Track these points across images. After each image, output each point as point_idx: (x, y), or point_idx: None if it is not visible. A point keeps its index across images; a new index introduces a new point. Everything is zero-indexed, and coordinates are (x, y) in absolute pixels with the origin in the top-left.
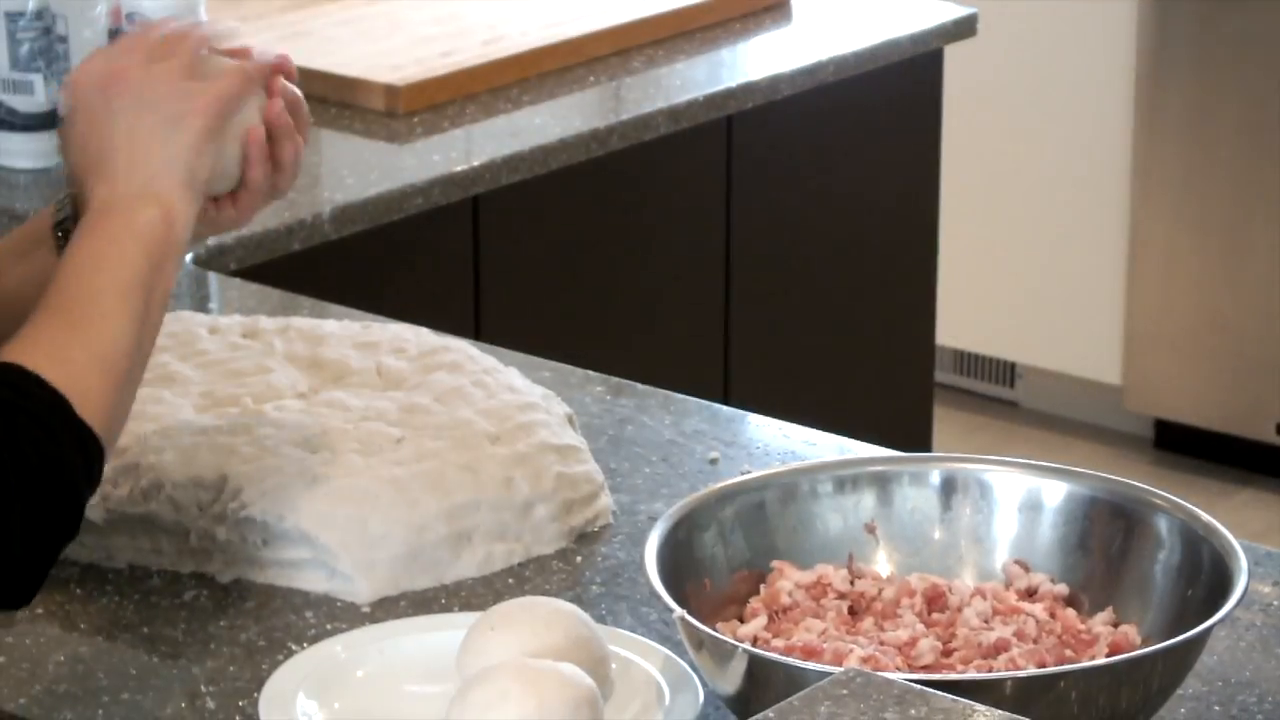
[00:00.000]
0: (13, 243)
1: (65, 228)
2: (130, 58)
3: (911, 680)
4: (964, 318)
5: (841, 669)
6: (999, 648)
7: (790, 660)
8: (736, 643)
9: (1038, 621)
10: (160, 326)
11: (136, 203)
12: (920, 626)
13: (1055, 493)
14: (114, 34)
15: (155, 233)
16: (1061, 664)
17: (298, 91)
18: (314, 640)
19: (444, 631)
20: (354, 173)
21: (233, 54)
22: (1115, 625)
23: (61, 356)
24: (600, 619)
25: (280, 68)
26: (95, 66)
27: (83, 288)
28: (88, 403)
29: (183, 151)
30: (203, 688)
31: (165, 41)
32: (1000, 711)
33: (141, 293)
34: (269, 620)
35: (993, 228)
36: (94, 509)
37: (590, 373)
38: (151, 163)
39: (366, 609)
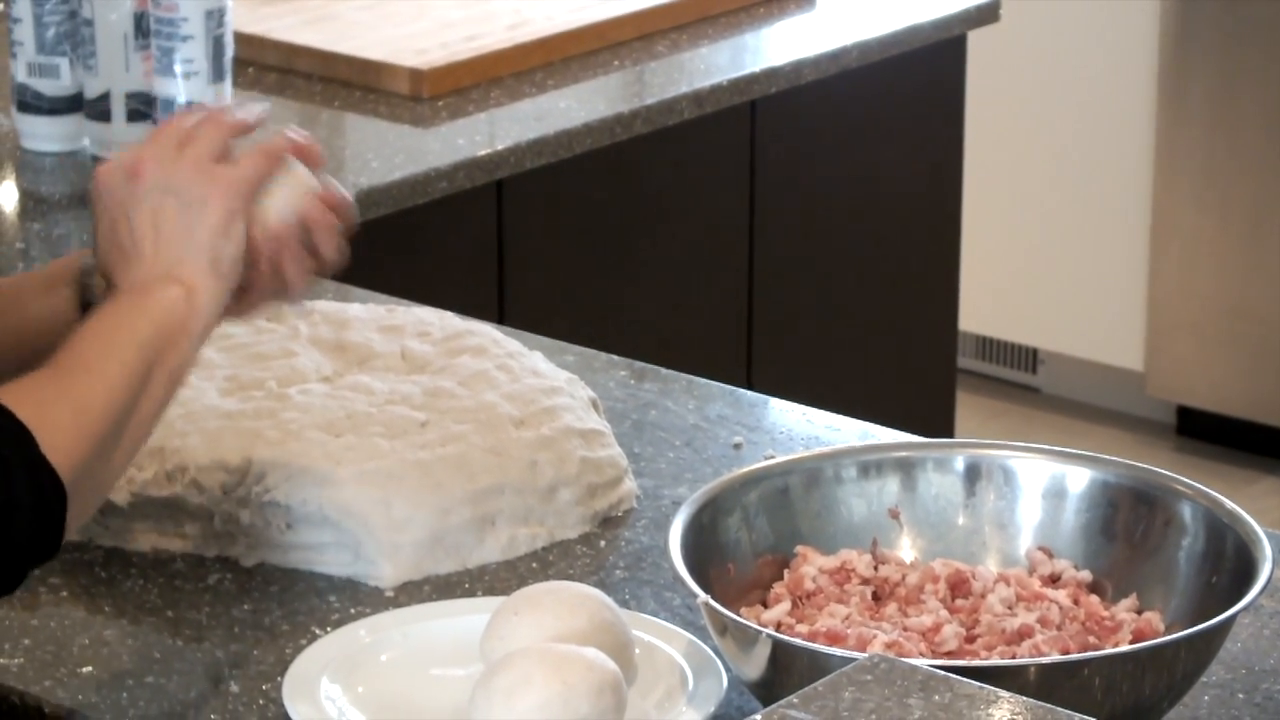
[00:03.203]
0: (40, 276)
1: (88, 279)
2: (156, 147)
3: (935, 666)
4: (986, 303)
5: (865, 654)
6: (1022, 634)
7: (814, 646)
8: (760, 628)
9: (1061, 608)
10: (167, 402)
11: (158, 284)
12: (944, 612)
13: (1079, 479)
14: (140, 18)
15: (172, 309)
16: (1085, 651)
17: (344, 192)
18: (338, 624)
19: (468, 616)
20: (378, 156)
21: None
22: (1139, 612)
23: (37, 397)
24: (624, 603)
25: (305, 149)
26: (123, 157)
27: (81, 348)
28: (55, 443)
29: (207, 234)
30: (226, 671)
31: (191, 129)
32: (1024, 698)
33: (141, 361)
34: (293, 604)
35: (1015, 213)
36: (119, 492)
37: (614, 357)
38: (175, 247)
39: (390, 593)
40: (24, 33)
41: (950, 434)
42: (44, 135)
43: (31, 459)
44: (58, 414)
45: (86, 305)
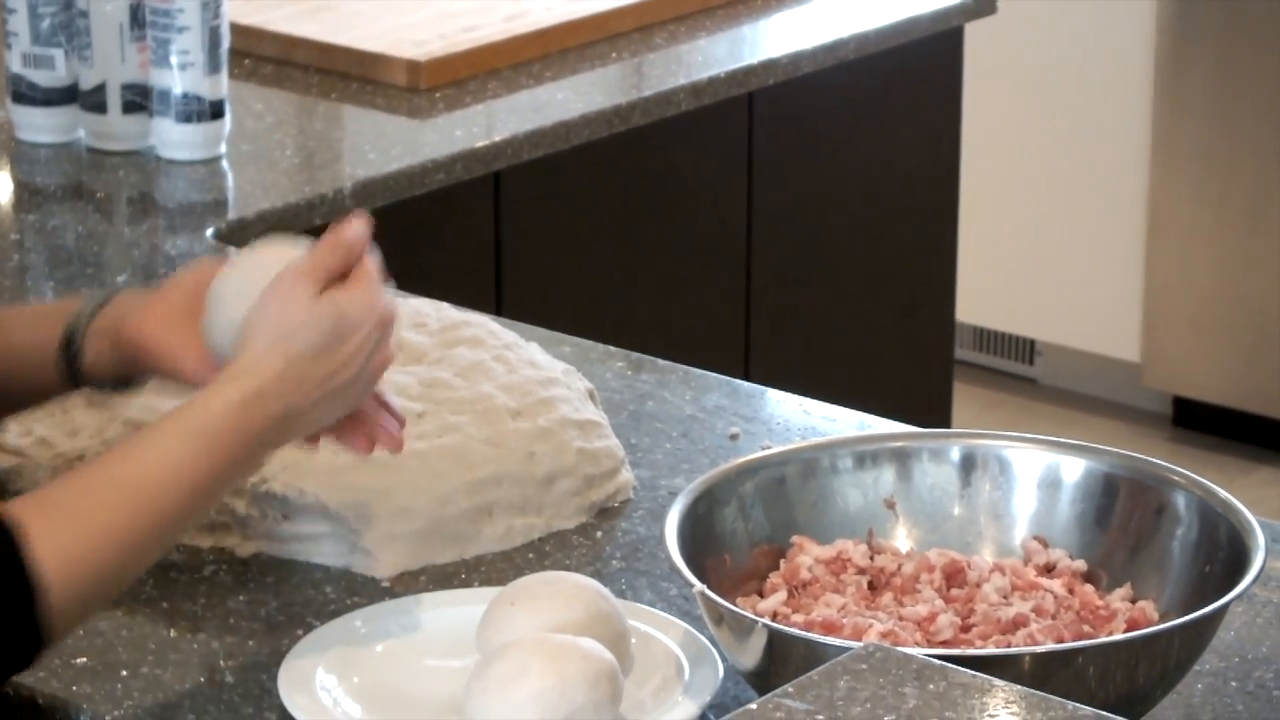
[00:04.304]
0: (37, 308)
1: (79, 320)
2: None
3: (930, 655)
4: (983, 294)
5: (861, 644)
6: (1017, 623)
7: (810, 635)
8: (756, 618)
9: (1056, 597)
10: (198, 516)
11: (257, 411)
12: (939, 602)
13: (1074, 469)
14: (135, 9)
15: (250, 445)
16: (1079, 640)
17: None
18: (334, 615)
19: (464, 606)
20: (376, 148)
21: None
22: (1133, 601)
23: (47, 510)
24: (620, 594)
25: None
26: (387, 314)
27: (148, 467)
28: (47, 546)
29: (335, 414)
30: (222, 662)
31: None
32: (1019, 686)
33: (199, 503)
34: (289, 595)
35: (1013, 205)
36: None
37: (611, 348)
38: (312, 405)
39: (386, 583)
40: (19, 23)
41: (947, 425)
42: (39, 126)
43: (10, 554)
44: (62, 527)
45: (70, 342)
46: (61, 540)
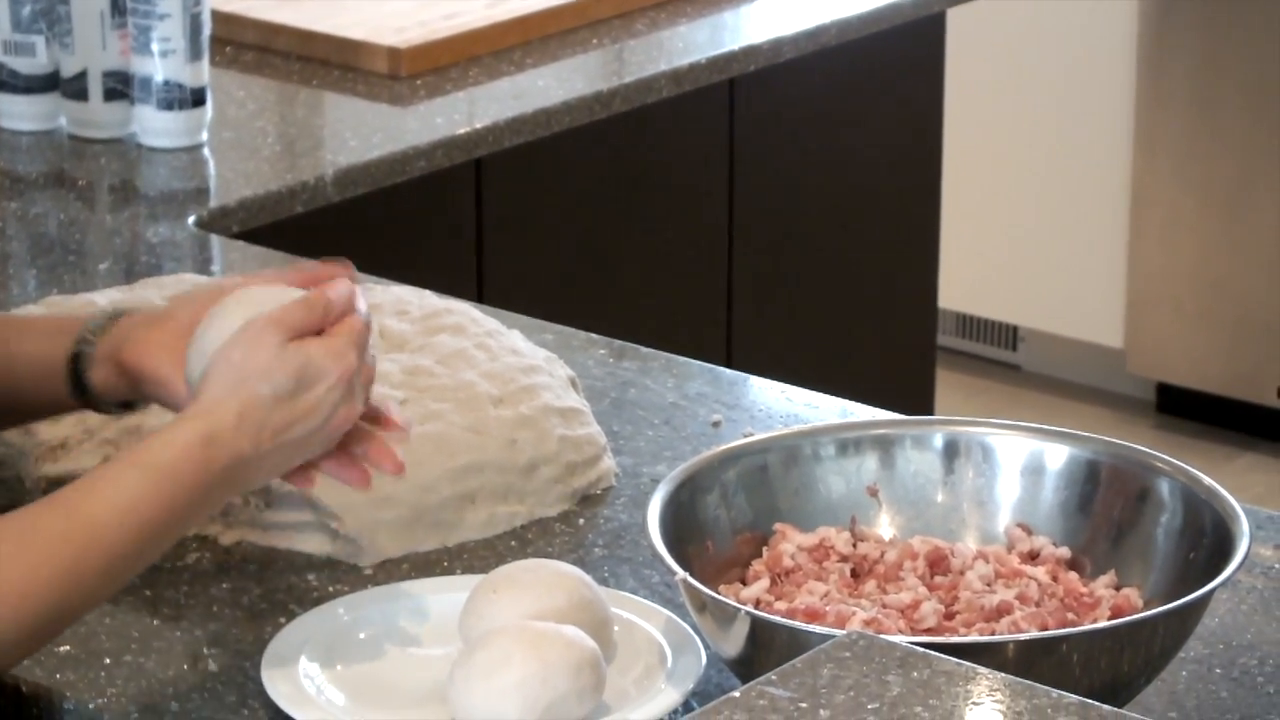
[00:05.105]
0: (47, 320)
1: (89, 335)
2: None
3: (914, 643)
4: (966, 281)
5: (844, 632)
6: (1001, 611)
7: (793, 623)
8: (739, 605)
9: (1040, 585)
10: (149, 554)
11: (214, 454)
12: (923, 589)
13: (1058, 456)
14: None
15: (209, 488)
16: (1064, 627)
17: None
18: (316, 602)
19: (447, 594)
20: (356, 135)
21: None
22: (1117, 588)
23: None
24: (603, 581)
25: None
26: (346, 357)
27: (78, 498)
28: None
29: (300, 456)
30: (205, 650)
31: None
32: (1002, 674)
33: (155, 541)
34: (271, 582)
35: (995, 191)
36: None
37: (593, 335)
38: (276, 449)
39: (369, 571)
40: None
41: (930, 412)
42: (20, 114)
43: None
44: (18, 564)
45: (76, 359)
46: (8, 569)
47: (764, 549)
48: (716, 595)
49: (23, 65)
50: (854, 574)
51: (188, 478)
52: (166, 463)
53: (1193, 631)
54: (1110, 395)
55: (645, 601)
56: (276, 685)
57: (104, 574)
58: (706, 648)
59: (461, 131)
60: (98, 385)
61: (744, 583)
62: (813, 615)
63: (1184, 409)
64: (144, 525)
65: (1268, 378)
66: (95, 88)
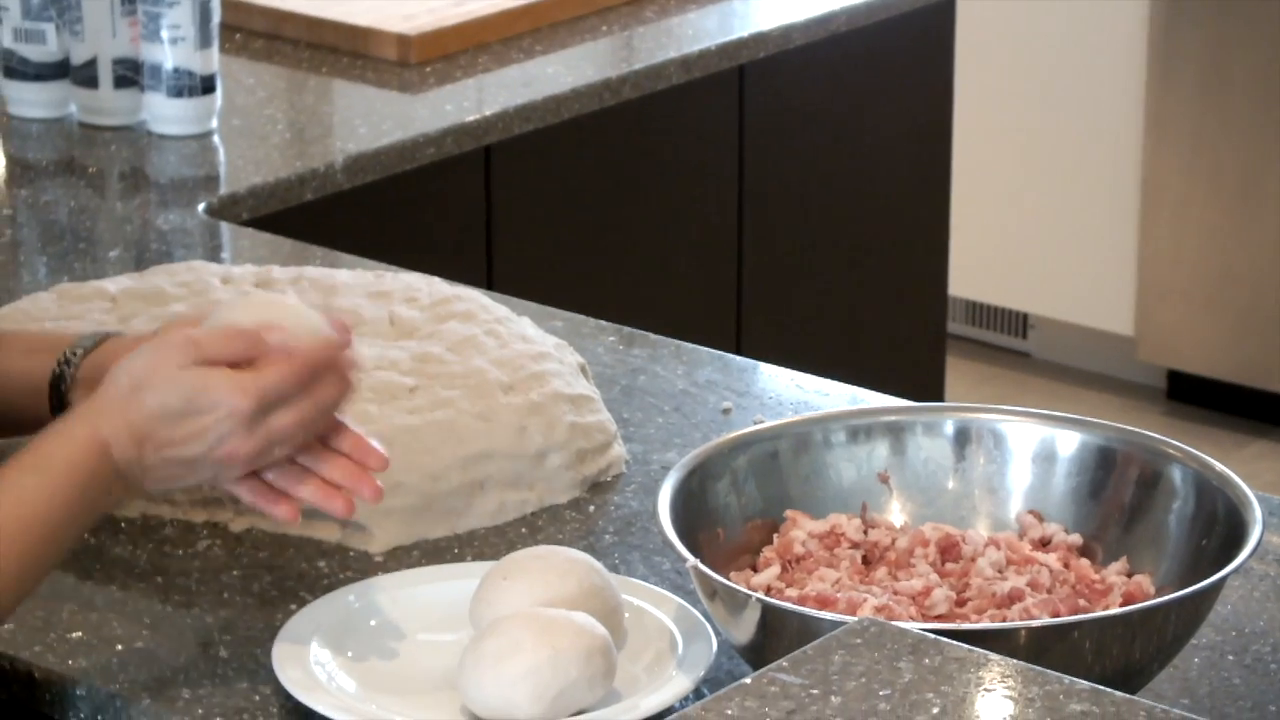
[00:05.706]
0: (32, 336)
1: (72, 355)
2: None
3: (925, 630)
4: (977, 268)
5: (855, 618)
6: (1013, 598)
7: (804, 610)
8: (750, 592)
9: (1052, 571)
10: (48, 554)
11: (110, 466)
12: (934, 576)
13: (1069, 443)
14: None
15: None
16: (1075, 614)
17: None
18: (327, 589)
19: (457, 581)
20: (366, 122)
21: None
22: (1129, 575)
23: None
24: (613, 568)
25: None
26: (268, 392)
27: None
28: None
29: (201, 476)
30: (216, 636)
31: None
32: (1014, 661)
33: (55, 542)
34: (282, 569)
35: (1006, 178)
36: None
37: (603, 322)
38: (174, 465)
39: (380, 558)
40: None
41: (940, 399)
42: (30, 101)
43: None
44: None
45: (59, 379)
46: None
47: (775, 536)
48: (727, 582)
49: (33, 53)
50: (865, 561)
51: (79, 475)
52: (57, 459)
53: (1205, 618)
54: (1120, 383)
55: (656, 588)
56: (287, 671)
57: (16, 578)
58: (717, 635)
59: (471, 118)
60: (77, 405)
61: (755, 570)
62: (824, 602)
63: (1194, 396)
64: (38, 521)
65: (1278, 365)
66: (105, 75)
